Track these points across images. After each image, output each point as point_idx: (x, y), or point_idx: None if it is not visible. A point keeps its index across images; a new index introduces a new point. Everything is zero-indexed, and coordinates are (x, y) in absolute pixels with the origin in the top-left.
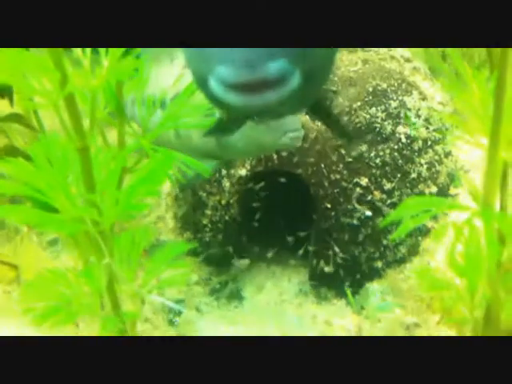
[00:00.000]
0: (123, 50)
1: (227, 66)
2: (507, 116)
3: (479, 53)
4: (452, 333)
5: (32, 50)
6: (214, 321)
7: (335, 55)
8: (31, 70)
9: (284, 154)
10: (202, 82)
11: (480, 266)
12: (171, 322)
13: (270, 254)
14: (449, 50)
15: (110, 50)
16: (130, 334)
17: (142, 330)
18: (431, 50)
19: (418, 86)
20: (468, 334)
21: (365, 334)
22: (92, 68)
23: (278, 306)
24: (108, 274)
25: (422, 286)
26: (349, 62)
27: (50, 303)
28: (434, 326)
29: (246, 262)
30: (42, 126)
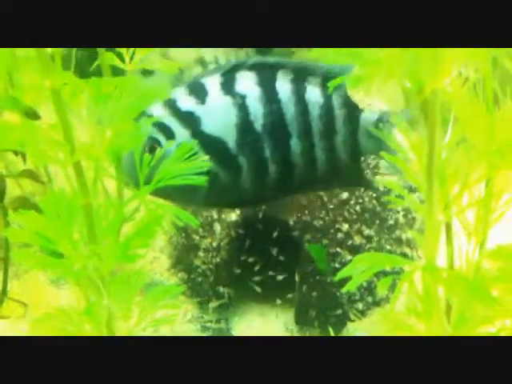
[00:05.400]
0: (126, 121)
1: None
2: (440, 180)
3: None
4: None
5: (45, 118)
6: None
7: None
8: (44, 141)
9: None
10: None
11: (431, 312)
12: None
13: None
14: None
15: (113, 122)
16: None
17: None
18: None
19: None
20: None
21: None
22: None
23: None
24: (107, 313)
25: (385, 329)
26: None
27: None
28: None
29: None
30: (51, 180)
